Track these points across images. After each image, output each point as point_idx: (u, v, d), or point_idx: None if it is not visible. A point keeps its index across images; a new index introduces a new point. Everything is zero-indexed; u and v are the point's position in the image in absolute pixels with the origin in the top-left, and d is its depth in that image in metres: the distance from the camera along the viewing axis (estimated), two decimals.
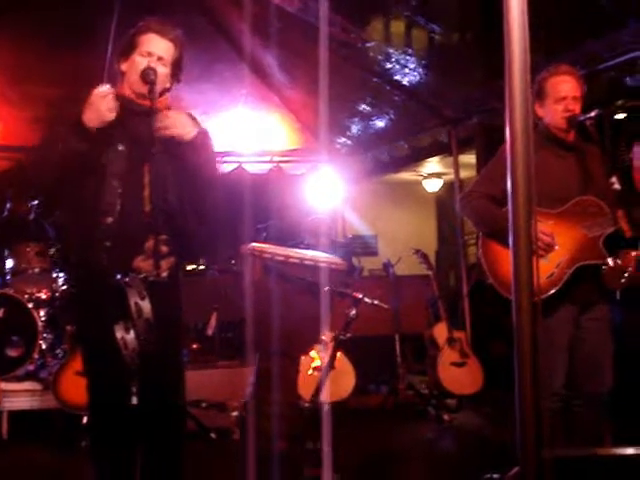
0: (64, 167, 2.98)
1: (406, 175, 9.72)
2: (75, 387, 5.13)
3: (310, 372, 4.87)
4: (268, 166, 7.48)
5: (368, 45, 5.64)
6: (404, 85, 6.01)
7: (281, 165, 7.51)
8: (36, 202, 6.78)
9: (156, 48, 3.08)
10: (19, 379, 5.62)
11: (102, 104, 2.96)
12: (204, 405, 4.92)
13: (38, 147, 3.16)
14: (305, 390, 4.26)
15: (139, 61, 3.06)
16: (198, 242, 3.24)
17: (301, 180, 7.60)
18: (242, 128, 7.23)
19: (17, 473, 4.60)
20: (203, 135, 3.12)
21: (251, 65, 6.92)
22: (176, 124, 3.04)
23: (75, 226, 3.11)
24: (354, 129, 7.09)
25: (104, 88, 3.00)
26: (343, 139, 7.28)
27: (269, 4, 5.46)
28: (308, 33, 5.47)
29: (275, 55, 6.54)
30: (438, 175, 10.04)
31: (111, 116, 2.98)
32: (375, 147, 7.18)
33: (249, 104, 7.23)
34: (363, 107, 6.62)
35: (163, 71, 3.08)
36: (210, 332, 5.57)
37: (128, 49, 3.11)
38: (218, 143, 3.36)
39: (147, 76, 2.99)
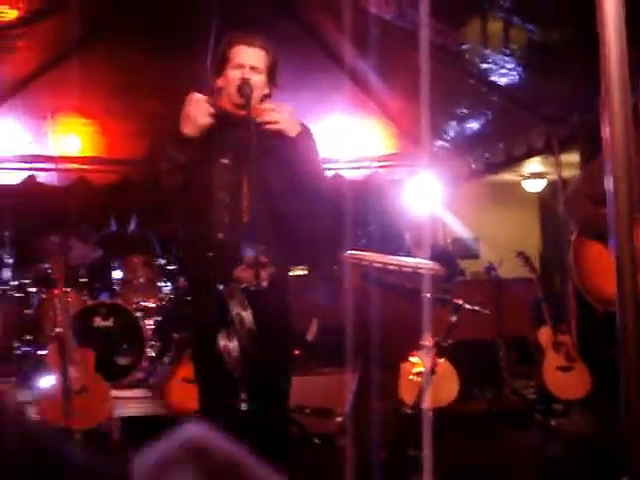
0: (170, 182, 3.07)
1: (506, 176, 9.56)
2: (182, 394, 5.27)
3: (412, 378, 4.85)
4: (366, 172, 7.48)
5: (464, 47, 5.59)
6: (502, 86, 5.93)
7: (379, 171, 7.51)
8: (135, 213, 7.01)
9: (247, 58, 3.13)
10: (129, 386, 5.79)
11: (196, 110, 3.04)
12: (307, 411, 4.96)
13: (143, 165, 3.26)
14: (407, 396, 4.26)
15: (233, 75, 3.12)
16: (301, 250, 3.28)
17: (399, 185, 7.58)
18: (339, 135, 7.26)
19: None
20: (307, 133, 3.16)
21: (348, 72, 6.95)
22: (281, 119, 3.09)
23: (186, 237, 3.22)
24: (451, 132, 7.03)
25: (197, 95, 3.09)
26: (440, 142, 7.22)
27: (366, 12, 5.48)
28: (404, 39, 5.47)
29: (371, 62, 6.55)
30: (540, 175, 9.83)
31: (207, 120, 3.05)
32: (473, 149, 7.10)
33: (346, 111, 7.26)
34: (460, 110, 6.55)
35: (258, 79, 3.13)
36: (310, 338, 5.62)
37: (220, 65, 3.18)
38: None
39: (242, 90, 3.05)
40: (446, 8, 5.20)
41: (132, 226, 7.09)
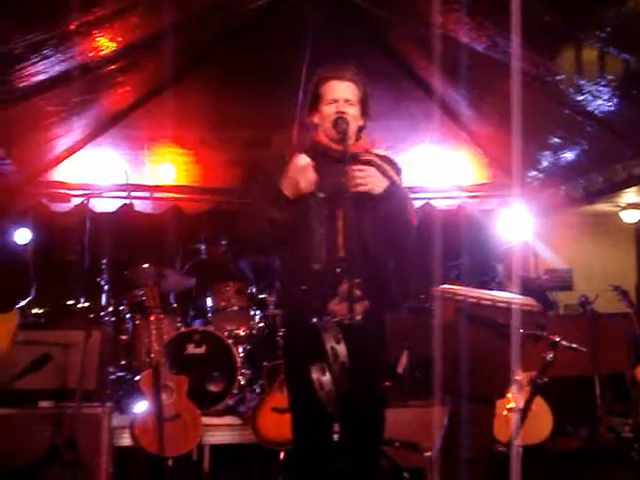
0: (271, 240, 3.13)
1: (602, 206, 9.33)
2: (272, 423, 5.30)
3: (505, 413, 4.76)
4: (456, 202, 7.42)
5: (559, 78, 5.50)
6: (597, 116, 5.81)
7: (470, 200, 7.44)
8: (226, 242, 7.13)
9: (339, 93, 3.17)
10: (219, 414, 5.85)
11: (301, 177, 3.06)
12: (397, 444, 4.91)
13: (243, 221, 3.32)
14: (500, 433, 4.17)
15: (327, 110, 3.16)
16: (393, 284, 3.27)
17: (490, 216, 7.49)
18: (429, 164, 7.24)
19: None
20: (394, 187, 3.16)
21: (438, 102, 6.93)
22: (366, 180, 3.09)
23: (286, 269, 3.26)
24: (544, 162, 6.91)
25: (303, 160, 3.10)
26: (534, 172, 7.11)
27: (456, 42, 5.47)
28: (496, 69, 5.43)
29: (462, 91, 6.52)
30: (637, 206, 9.57)
31: (310, 187, 3.06)
32: (567, 180, 6.97)
33: (436, 140, 7.23)
34: (554, 140, 6.44)
35: (353, 111, 3.17)
36: (401, 370, 5.57)
37: (314, 102, 3.23)
38: (405, 179, 3.39)
39: (339, 126, 3.08)
40: (540, 38, 5.16)
41: (224, 254, 7.20)
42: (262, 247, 3.22)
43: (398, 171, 3.31)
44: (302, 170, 3.07)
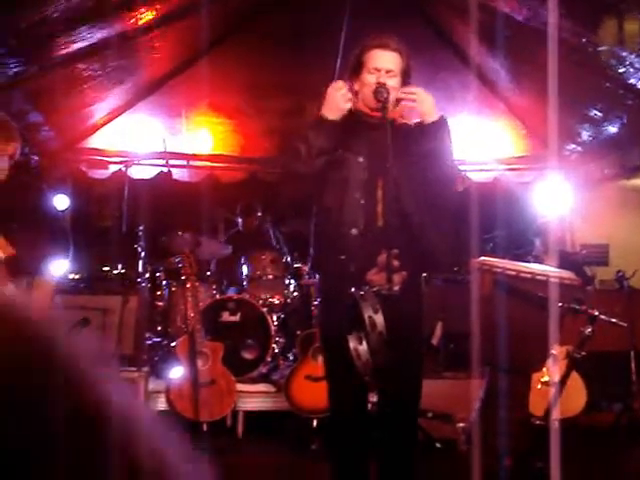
0: (307, 167, 3.12)
1: None
2: (305, 391, 5.34)
3: (539, 387, 4.75)
4: (493, 174, 7.37)
5: (600, 49, 5.42)
6: (638, 89, 5.72)
7: (506, 173, 7.38)
8: (262, 211, 7.15)
9: (382, 62, 3.16)
10: (253, 381, 5.90)
11: (338, 95, 3.10)
12: (430, 415, 4.94)
13: (283, 160, 3.35)
14: (535, 406, 4.17)
15: (369, 79, 3.16)
16: (433, 254, 3.27)
17: (527, 188, 7.42)
18: (467, 136, 7.18)
19: (249, 471, 4.84)
20: (444, 122, 3.17)
21: (476, 72, 6.86)
22: (423, 102, 3.11)
23: (320, 236, 3.26)
24: (584, 135, 6.83)
25: (339, 82, 3.15)
26: (573, 145, 7.03)
27: (495, 12, 5.40)
28: (537, 40, 5.36)
29: (501, 62, 6.44)
30: None
31: (346, 106, 3.11)
32: (606, 154, 6.88)
33: (474, 111, 7.16)
34: (594, 112, 6.36)
35: (393, 82, 3.16)
36: (435, 342, 5.58)
37: (356, 69, 3.23)
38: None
39: (380, 94, 3.07)
40: (582, 9, 5.08)
41: (260, 225, 7.23)
42: (303, 179, 3.20)
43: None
44: (339, 90, 3.14)
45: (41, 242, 4.25)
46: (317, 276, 3.67)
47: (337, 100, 3.13)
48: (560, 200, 7.22)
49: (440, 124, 3.15)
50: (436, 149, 3.13)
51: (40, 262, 4.22)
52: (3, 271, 4.03)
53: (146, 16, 5.47)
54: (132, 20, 5.36)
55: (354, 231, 3.09)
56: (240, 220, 7.29)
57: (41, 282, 4.23)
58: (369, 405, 3.27)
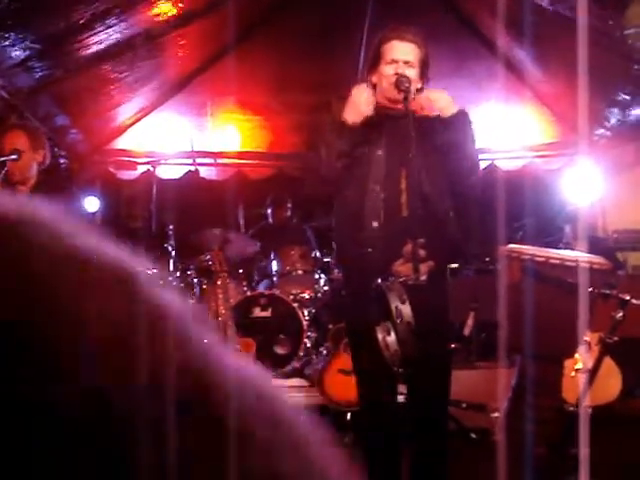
0: (329, 170, 3.13)
1: None
2: (338, 385, 5.34)
3: (573, 374, 4.71)
4: (522, 162, 7.31)
5: (627, 32, 5.35)
6: None
7: (535, 160, 7.31)
8: (291, 207, 7.15)
9: (400, 53, 3.15)
10: (286, 375, 5.92)
11: (361, 99, 3.10)
12: (464, 405, 4.92)
13: (306, 157, 3.37)
14: (568, 393, 4.13)
15: (387, 70, 3.15)
16: (458, 243, 3.26)
17: (557, 175, 7.35)
18: (494, 124, 7.13)
19: None
20: (463, 114, 3.15)
21: (503, 60, 6.80)
22: (437, 101, 3.10)
23: (341, 230, 3.27)
24: (612, 119, 6.75)
25: (362, 86, 3.15)
26: (601, 130, 6.95)
27: None
28: (562, 25, 5.31)
29: (527, 49, 6.38)
30: None
31: (369, 109, 3.10)
32: (636, 137, 6.79)
33: (501, 99, 7.11)
34: (622, 96, 6.28)
35: (412, 73, 3.15)
36: (467, 332, 5.54)
37: (374, 61, 3.22)
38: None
39: (401, 84, 3.06)
40: None
41: (289, 218, 7.24)
42: (324, 180, 3.21)
43: None
44: (362, 94, 3.15)
45: None
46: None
47: (360, 104, 3.13)
48: (590, 186, 7.14)
49: (459, 117, 3.13)
50: (456, 141, 3.12)
51: None
52: None
53: (169, 13, 5.49)
54: (155, 18, 5.39)
55: (375, 224, 3.09)
56: (270, 211, 7.30)
57: None
58: (399, 396, 3.26)
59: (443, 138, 3.12)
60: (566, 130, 7.17)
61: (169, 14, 5.47)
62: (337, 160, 3.13)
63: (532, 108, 7.24)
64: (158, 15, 5.39)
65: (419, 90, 3.25)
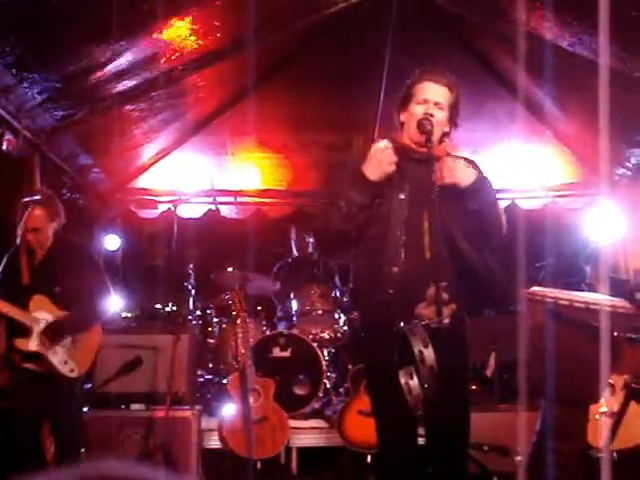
0: (349, 224, 3.13)
1: None
2: (358, 426, 5.29)
3: (597, 417, 4.63)
4: (542, 201, 7.29)
5: None
6: None
7: (556, 200, 7.30)
8: (312, 242, 7.14)
9: (432, 95, 3.15)
10: (306, 417, 5.88)
11: (383, 158, 3.08)
12: (486, 448, 4.85)
13: (325, 207, 3.35)
14: (594, 438, 4.06)
15: (416, 110, 3.15)
16: (483, 285, 3.24)
17: (578, 215, 7.32)
18: (514, 164, 7.13)
19: None
20: (481, 181, 3.13)
21: (523, 101, 6.81)
22: (454, 171, 3.08)
23: (361, 274, 3.25)
24: (633, 159, 6.73)
25: (383, 142, 3.13)
26: (622, 170, 6.93)
27: (540, 40, 5.37)
28: (582, 65, 5.32)
29: (547, 89, 6.39)
30: None
31: (391, 169, 3.09)
32: None
33: (521, 139, 7.11)
34: None
35: (441, 116, 3.14)
36: (489, 373, 5.50)
37: (406, 100, 3.21)
38: (491, 180, 3.35)
39: (423, 126, 3.06)
40: (626, 34, 5.03)
41: (311, 254, 7.21)
42: (338, 231, 3.19)
43: (480, 172, 3.28)
44: (384, 152, 3.11)
45: (89, 300, 4.34)
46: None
47: (382, 163, 3.11)
48: (611, 226, 7.10)
49: (477, 186, 3.11)
50: (479, 210, 3.10)
51: (89, 321, 4.34)
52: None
53: (190, 54, 5.52)
54: (175, 60, 5.43)
55: (395, 269, 3.07)
56: (294, 242, 7.28)
57: (85, 337, 4.33)
58: (419, 439, 3.22)
59: (465, 205, 3.10)
60: (587, 170, 7.16)
61: (189, 55, 5.51)
62: (357, 213, 3.13)
63: (552, 148, 7.24)
64: (179, 56, 5.42)
65: (446, 134, 3.24)
